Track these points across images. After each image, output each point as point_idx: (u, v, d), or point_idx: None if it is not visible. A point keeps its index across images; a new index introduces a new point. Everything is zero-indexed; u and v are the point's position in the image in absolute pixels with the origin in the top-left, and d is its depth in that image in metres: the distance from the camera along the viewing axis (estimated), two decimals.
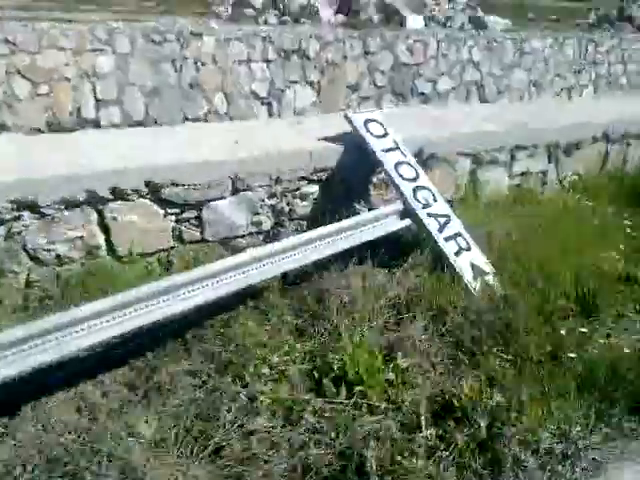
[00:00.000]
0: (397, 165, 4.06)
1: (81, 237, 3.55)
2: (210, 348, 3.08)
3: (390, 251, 3.96)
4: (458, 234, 4.00)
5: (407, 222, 3.97)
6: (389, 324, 3.39)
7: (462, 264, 3.85)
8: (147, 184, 3.61)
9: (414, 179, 4.08)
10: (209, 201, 3.84)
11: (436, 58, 10.78)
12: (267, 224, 4.12)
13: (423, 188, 4.08)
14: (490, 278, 3.82)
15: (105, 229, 3.60)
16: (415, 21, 12.83)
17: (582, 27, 14.90)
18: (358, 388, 2.75)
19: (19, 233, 3.37)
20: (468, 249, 3.97)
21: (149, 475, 2.32)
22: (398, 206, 3.99)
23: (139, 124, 8.30)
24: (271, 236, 4.15)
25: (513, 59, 11.59)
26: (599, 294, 3.56)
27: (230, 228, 3.98)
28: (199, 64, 8.77)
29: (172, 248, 3.85)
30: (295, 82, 9.59)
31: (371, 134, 4.12)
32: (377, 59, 10.30)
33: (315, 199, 4.21)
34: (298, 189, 4.12)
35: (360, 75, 10.09)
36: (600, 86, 12.51)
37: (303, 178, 4.10)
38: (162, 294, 2.92)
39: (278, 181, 4.00)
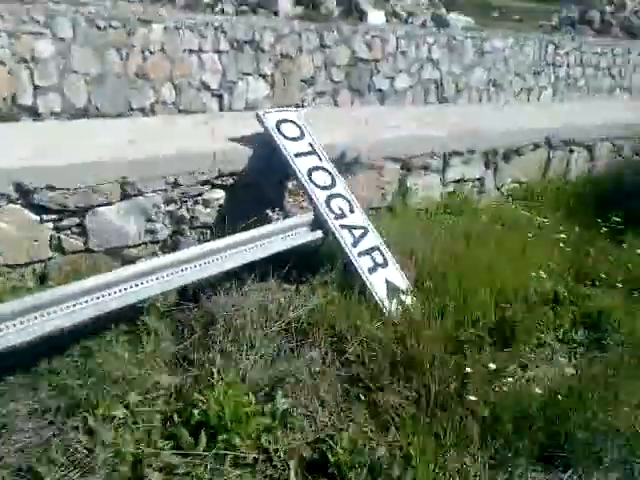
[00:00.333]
0: (311, 171, 3.68)
1: None
2: (65, 382, 2.66)
3: (301, 265, 3.58)
4: (374, 248, 3.64)
5: (318, 234, 3.59)
6: (283, 352, 3.01)
7: (376, 281, 3.49)
8: (17, 188, 3.16)
9: (329, 186, 3.70)
10: (93, 207, 3.40)
11: (394, 55, 10.49)
12: (164, 233, 3.70)
13: (339, 196, 3.70)
14: (406, 297, 3.47)
15: None
16: (376, 16, 12.52)
17: (545, 29, 14.77)
18: (222, 437, 2.36)
19: None
20: (384, 265, 3.61)
21: None
22: (309, 216, 3.61)
23: (81, 113, 7.83)
24: (169, 246, 3.73)
25: (473, 58, 11.36)
26: (520, 320, 3.22)
27: (119, 237, 3.55)
28: (147, 53, 8.32)
29: (50, 259, 3.41)
30: (248, 74, 9.19)
31: (284, 136, 3.72)
32: (333, 53, 9.96)
33: (221, 206, 3.81)
34: (200, 194, 3.71)
35: (316, 69, 9.74)
36: (559, 88, 12.36)
37: (206, 182, 3.69)
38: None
39: (175, 185, 3.58)
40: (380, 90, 10.43)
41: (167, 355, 2.95)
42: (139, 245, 3.65)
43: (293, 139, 3.76)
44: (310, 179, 3.63)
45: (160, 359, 2.91)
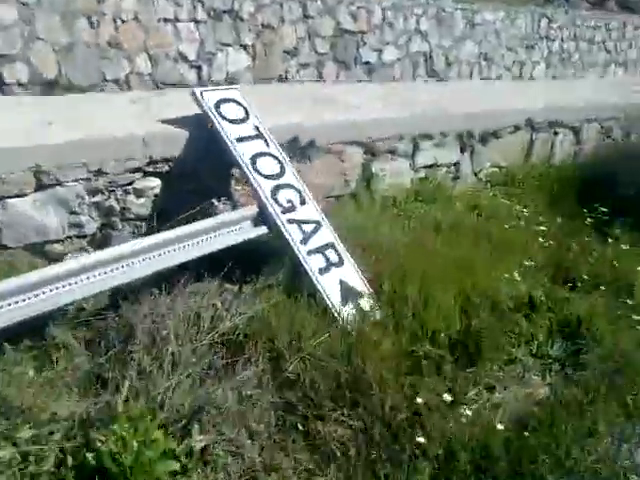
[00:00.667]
0: (255, 157, 3.24)
1: None
2: None
3: (245, 263, 3.17)
4: (328, 245, 3.23)
5: (262, 230, 3.17)
6: (213, 371, 2.61)
7: (328, 283, 3.09)
8: None
9: (277, 175, 3.27)
10: (4, 198, 2.96)
11: (381, 27, 9.97)
12: (91, 226, 3.27)
13: (287, 187, 3.27)
14: (364, 302, 3.07)
15: None
16: None
17: (537, 1, 14.18)
18: None
19: None
20: (339, 264, 3.20)
21: None
22: (253, 210, 3.18)
23: (50, 84, 7.36)
24: (98, 240, 3.31)
25: (464, 31, 10.83)
26: (488, 330, 2.83)
27: (38, 231, 3.12)
28: (118, 21, 7.81)
29: None
30: (228, 45, 8.67)
31: (224, 118, 3.27)
32: (317, 24, 9.44)
33: (156, 195, 3.37)
34: (130, 183, 3.27)
35: (299, 40, 9.21)
36: (552, 63, 11.87)
37: (137, 170, 3.25)
38: None
39: (100, 173, 3.14)
40: (367, 63, 9.92)
41: (81, 374, 2.55)
42: (63, 240, 3.22)
43: (235, 121, 3.32)
44: (254, 167, 3.19)
45: (71, 379, 2.51)
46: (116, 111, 3.57)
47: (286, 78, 9.23)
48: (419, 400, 2.32)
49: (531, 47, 11.75)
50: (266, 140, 3.34)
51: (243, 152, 3.20)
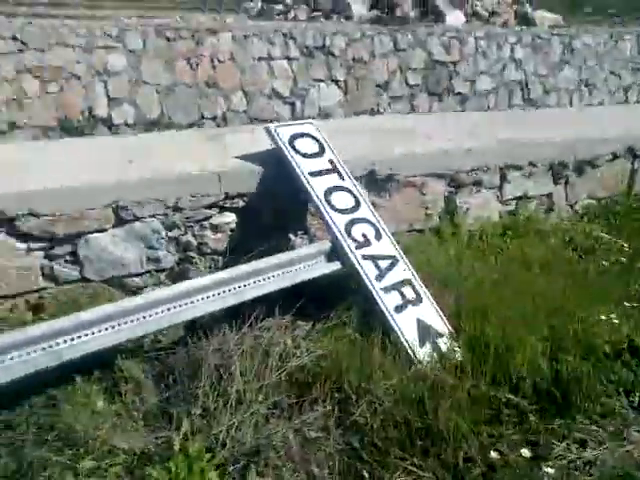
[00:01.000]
0: (329, 191, 3.17)
1: None
2: (23, 438, 2.30)
3: (319, 298, 3.09)
4: (405, 282, 3.09)
5: (336, 265, 3.08)
6: (278, 410, 2.52)
7: (404, 322, 2.94)
8: None
9: (351, 210, 3.18)
10: (85, 234, 3.07)
11: (474, 56, 9.85)
12: (169, 260, 3.31)
13: (362, 221, 3.17)
14: (443, 342, 2.89)
15: None
16: (455, 17, 11.89)
17: None
18: None
19: None
20: (416, 302, 3.04)
21: None
22: (326, 245, 3.10)
23: (153, 123, 7.82)
24: (175, 274, 3.35)
25: (562, 56, 10.50)
26: (579, 378, 2.56)
27: (118, 265, 3.20)
28: (216, 62, 8.21)
29: (43, 289, 3.11)
30: (320, 80, 8.89)
31: (298, 152, 3.23)
32: (408, 57, 9.52)
33: (232, 230, 3.38)
34: (207, 218, 3.29)
35: (390, 74, 9.27)
36: None
37: (212, 205, 3.27)
38: None
39: (176, 209, 3.19)
40: (459, 93, 9.84)
41: (147, 408, 2.55)
42: (142, 274, 3.29)
43: (309, 155, 3.27)
44: (328, 201, 3.12)
45: (137, 413, 2.51)
46: (194, 148, 3.64)
47: (378, 111, 9.27)
48: (493, 454, 2.10)
49: (637, 70, 11.13)
50: (341, 174, 3.27)
51: (316, 186, 3.15)
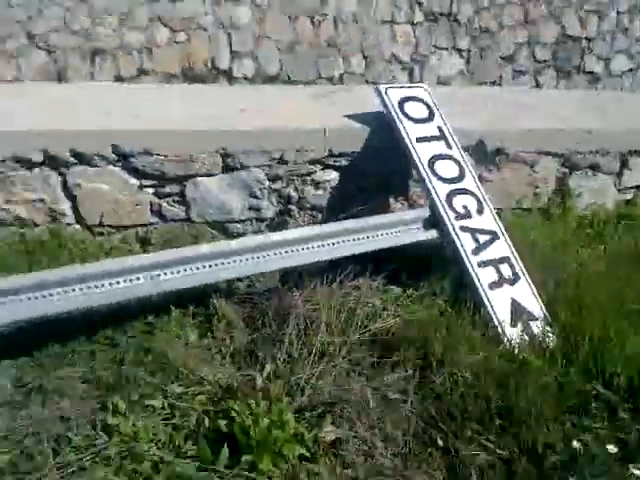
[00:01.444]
0: (434, 159, 3.11)
1: (42, 200, 3.11)
2: (118, 355, 2.49)
3: (411, 267, 3.07)
4: (503, 259, 3.00)
5: (432, 234, 3.04)
6: (360, 367, 2.55)
7: (497, 300, 2.87)
8: (114, 150, 3.05)
9: (455, 180, 3.11)
10: (193, 176, 3.20)
11: (613, 33, 9.19)
12: (269, 211, 3.40)
13: (465, 192, 3.09)
14: (537, 326, 2.79)
15: (71, 195, 3.13)
16: None
17: None
18: (247, 457, 1.99)
19: None
20: (513, 281, 2.95)
21: None
22: (424, 212, 3.06)
23: (271, 78, 8.01)
24: (275, 225, 3.43)
25: None
26: None
27: (221, 210, 3.32)
28: (339, 22, 8.22)
29: (151, 224, 3.29)
30: (442, 48, 8.66)
31: (406, 116, 3.18)
32: (539, 30, 9.04)
33: (333, 187, 3.40)
34: (309, 174, 3.33)
35: (517, 46, 8.89)
36: None
37: (316, 162, 3.30)
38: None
39: (281, 162, 3.25)
40: (591, 72, 9.23)
41: (236, 346, 2.66)
42: (244, 221, 3.40)
43: (417, 120, 3.21)
44: (431, 169, 3.07)
45: (226, 350, 2.63)
46: (304, 104, 3.66)
47: (499, 85, 8.90)
48: (576, 444, 2.02)
49: None
50: (448, 142, 3.19)
51: (421, 152, 3.09)
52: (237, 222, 3.39)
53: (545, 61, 8.91)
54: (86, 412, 2.20)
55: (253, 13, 7.63)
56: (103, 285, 2.42)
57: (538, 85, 8.99)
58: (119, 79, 5.20)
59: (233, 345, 2.64)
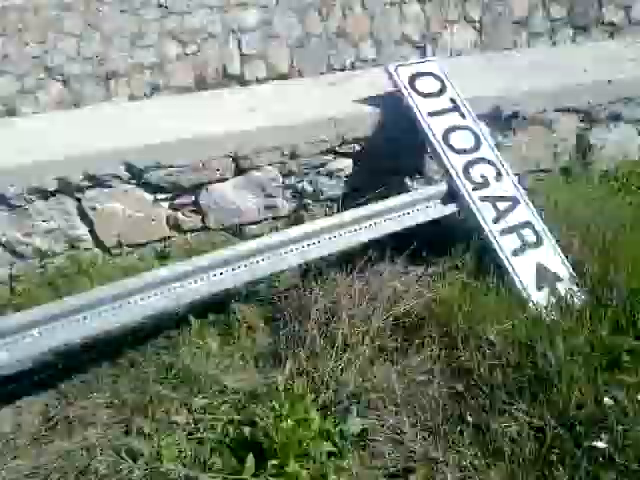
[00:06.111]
0: (448, 131, 3.02)
1: (59, 228, 3.18)
2: (145, 374, 2.51)
3: (432, 244, 3.00)
4: (525, 224, 2.90)
5: (451, 208, 2.97)
6: (384, 353, 2.52)
7: (522, 266, 2.79)
8: (127, 168, 3.10)
9: (471, 150, 3.02)
10: (206, 184, 3.22)
11: None
12: (285, 208, 3.38)
13: (482, 161, 3.00)
14: (564, 287, 2.70)
15: (87, 219, 3.19)
16: None
17: None
18: (273, 462, 1.97)
19: None
20: (537, 245, 2.86)
21: None
22: (441, 187, 2.99)
23: (283, 76, 8.00)
24: (291, 221, 3.41)
25: None
26: None
27: (237, 214, 3.33)
28: (347, 10, 8.16)
29: (169, 238, 3.33)
30: (453, 22, 8.49)
31: (417, 92, 3.11)
32: None
33: (348, 176, 3.36)
34: (323, 165, 3.30)
35: (531, 7, 8.61)
36: None
37: (329, 151, 3.27)
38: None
39: (293, 156, 3.23)
40: (611, 23, 8.85)
41: (259, 350, 2.66)
42: (260, 222, 3.40)
43: (429, 95, 3.13)
44: (446, 142, 2.99)
45: (249, 355, 2.63)
46: (314, 94, 3.61)
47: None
48: (607, 400, 1.94)
49: None
50: (462, 112, 3.11)
51: (435, 126, 3.03)
52: (253, 224, 3.38)
53: (561, 19, 8.61)
54: (111, 438, 2.22)
55: (260, 15, 7.68)
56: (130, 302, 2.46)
57: (555, 44, 8.67)
58: (133, 98, 5.31)
59: (255, 349, 2.64)
